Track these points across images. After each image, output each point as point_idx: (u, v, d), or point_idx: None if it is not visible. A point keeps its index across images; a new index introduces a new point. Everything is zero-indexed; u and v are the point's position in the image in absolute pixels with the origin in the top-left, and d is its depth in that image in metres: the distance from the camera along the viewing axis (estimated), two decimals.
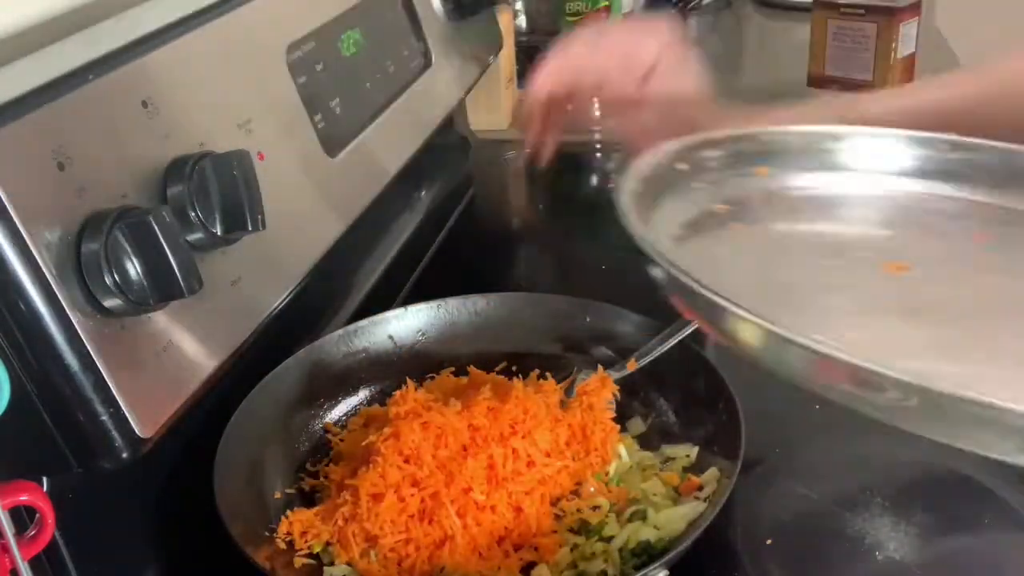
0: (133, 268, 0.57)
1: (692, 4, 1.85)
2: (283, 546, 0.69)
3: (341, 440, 0.80)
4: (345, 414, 0.84)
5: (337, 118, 0.89)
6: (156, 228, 0.57)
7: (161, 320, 0.62)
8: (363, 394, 0.85)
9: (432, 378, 0.86)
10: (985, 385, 0.45)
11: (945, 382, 0.45)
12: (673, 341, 0.80)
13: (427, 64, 1.09)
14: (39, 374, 0.56)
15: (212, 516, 0.66)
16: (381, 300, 0.97)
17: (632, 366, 0.81)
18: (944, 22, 1.62)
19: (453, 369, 0.86)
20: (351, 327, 0.86)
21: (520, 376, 0.84)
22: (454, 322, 0.89)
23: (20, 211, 0.54)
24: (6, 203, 0.53)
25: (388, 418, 0.75)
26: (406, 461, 0.70)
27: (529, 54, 1.56)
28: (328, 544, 0.69)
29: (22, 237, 0.54)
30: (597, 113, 1.38)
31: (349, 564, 0.68)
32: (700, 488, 0.71)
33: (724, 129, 0.76)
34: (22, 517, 0.58)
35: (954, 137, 0.75)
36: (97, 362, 0.57)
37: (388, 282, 1.04)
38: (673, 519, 0.68)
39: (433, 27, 1.12)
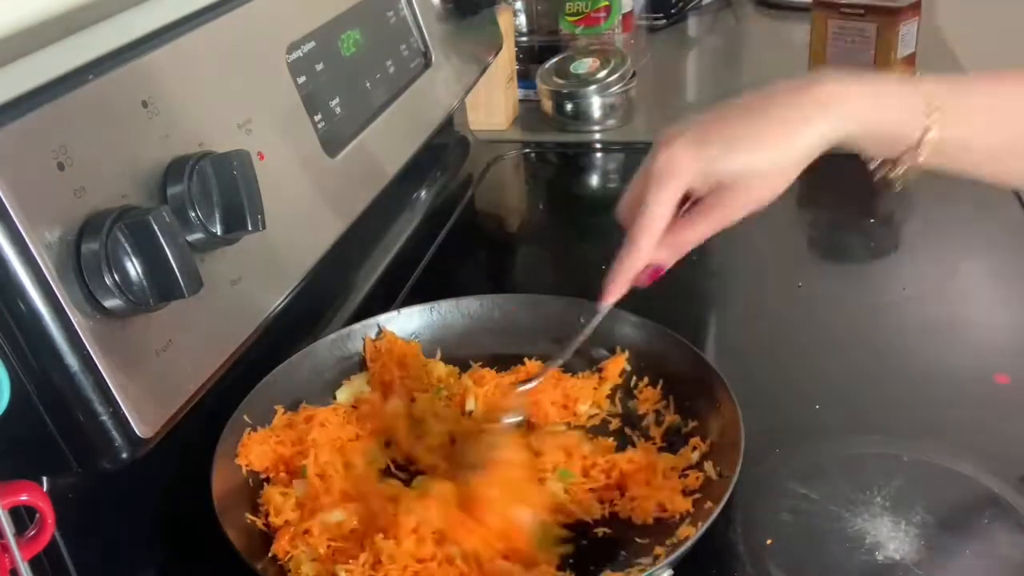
0: (133, 268, 0.57)
1: (692, 4, 1.85)
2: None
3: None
4: None
5: (337, 118, 0.89)
6: (156, 228, 0.57)
7: (161, 320, 0.62)
8: None
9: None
10: None
11: None
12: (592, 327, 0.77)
13: (427, 64, 1.09)
14: (39, 374, 0.56)
15: (211, 516, 0.66)
16: (381, 300, 0.97)
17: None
18: (944, 22, 1.62)
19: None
20: (344, 331, 0.86)
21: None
22: (447, 324, 0.89)
23: (20, 211, 0.54)
24: (6, 203, 0.53)
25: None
26: None
27: (529, 54, 1.57)
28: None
29: (22, 237, 0.54)
30: None
31: None
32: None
33: None
34: (22, 517, 0.58)
35: None
36: (97, 362, 0.57)
37: (388, 282, 1.04)
38: None
39: (433, 27, 1.12)
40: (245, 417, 0.75)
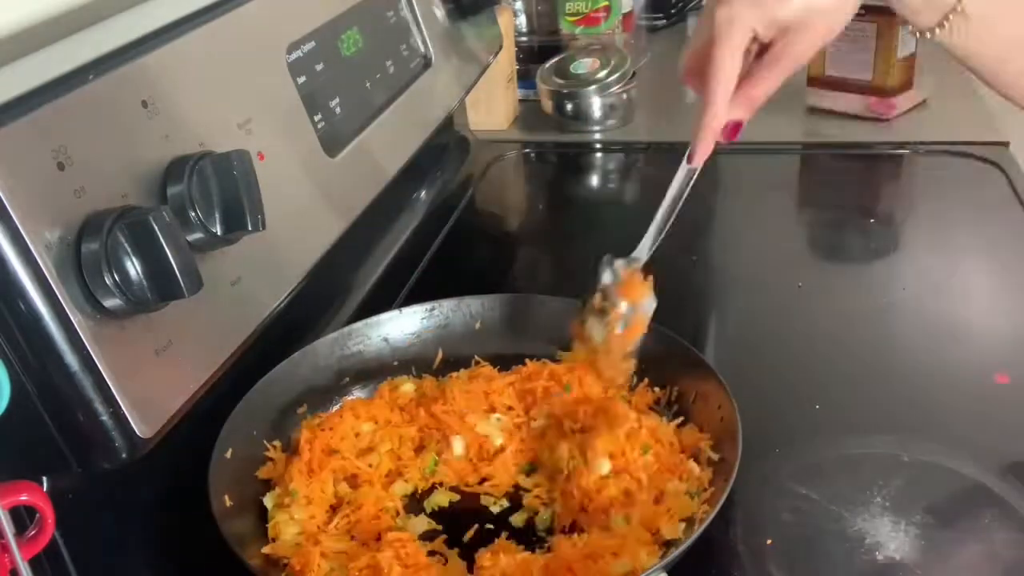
0: (133, 268, 0.57)
1: (692, 4, 1.85)
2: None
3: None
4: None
5: (337, 118, 0.89)
6: (156, 228, 0.57)
7: (161, 320, 0.62)
8: (358, 395, 0.85)
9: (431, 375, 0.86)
10: None
11: None
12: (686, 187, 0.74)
13: (427, 64, 1.09)
14: (39, 374, 0.56)
15: (210, 516, 0.66)
16: (381, 300, 0.97)
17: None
18: None
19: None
20: (345, 330, 0.86)
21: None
22: (448, 324, 0.89)
23: (20, 211, 0.54)
24: (6, 203, 0.53)
25: None
26: None
27: (529, 54, 1.56)
28: None
29: (22, 237, 0.54)
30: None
31: None
32: None
33: None
34: (22, 517, 0.58)
35: None
36: (97, 362, 0.57)
37: (388, 282, 1.04)
38: None
39: (433, 27, 1.12)
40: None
